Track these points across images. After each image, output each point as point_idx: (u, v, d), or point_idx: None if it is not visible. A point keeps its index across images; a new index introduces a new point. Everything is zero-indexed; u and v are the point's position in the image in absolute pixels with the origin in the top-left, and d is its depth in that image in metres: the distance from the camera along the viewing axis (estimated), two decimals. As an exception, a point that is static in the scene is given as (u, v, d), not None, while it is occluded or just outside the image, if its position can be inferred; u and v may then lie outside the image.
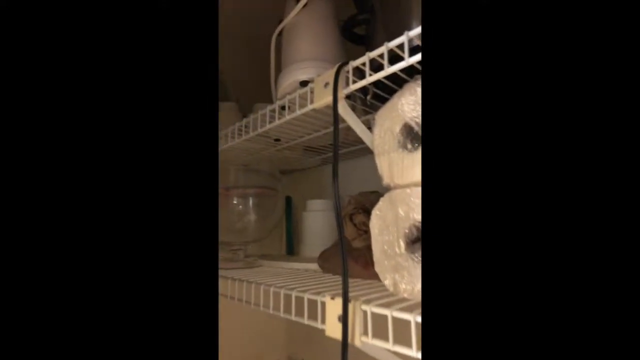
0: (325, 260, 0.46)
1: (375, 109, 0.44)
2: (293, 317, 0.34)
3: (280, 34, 0.49)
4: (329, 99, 0.35)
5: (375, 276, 0.39)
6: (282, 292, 0.37)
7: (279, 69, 0.48)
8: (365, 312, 0.28)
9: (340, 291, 0.32)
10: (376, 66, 0.32)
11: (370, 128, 0.37)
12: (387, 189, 0.32)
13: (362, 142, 0.40)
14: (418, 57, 0.28)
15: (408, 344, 0.25)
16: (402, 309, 0.26)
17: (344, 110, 0.35)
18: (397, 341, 0.26)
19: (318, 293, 0.33)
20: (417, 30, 0.29)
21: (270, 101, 0.52)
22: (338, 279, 0.43)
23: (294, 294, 0.35)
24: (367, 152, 0.64)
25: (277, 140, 0.56)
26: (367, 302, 0.29)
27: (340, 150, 0.62)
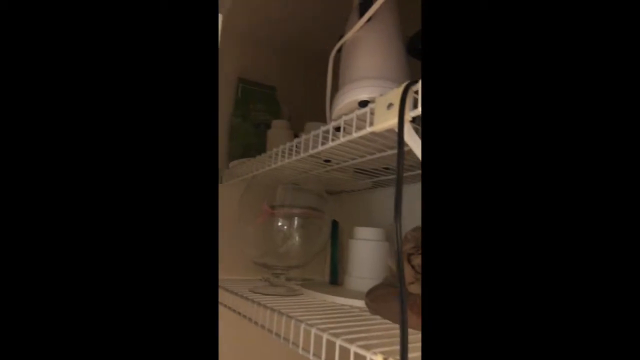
0: (373, 300, 0.41)
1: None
2: (336, 371, 0.30)
3: (339, 50, 0.47)
4: (392, 122, 0.31)
5: (435, 330, 0.33)
6: (325, 336, 0.32)
7: (335, 88, 0.45)
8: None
9: (395, 348, 0.27)
10: (452, 86, 0.27)
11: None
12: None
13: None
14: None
15: None
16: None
17: (409, 135, 0.30)
18: None
19: (368, 348, 0.28)
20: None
21: (324, 119, 0.49)
22: (390, 325, 0.38)
23: (338, 342, 0.31)
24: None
25: (327, 161, 0.53)
26: (431, 372, 0.23)
27: (395, 175, 0.57)
